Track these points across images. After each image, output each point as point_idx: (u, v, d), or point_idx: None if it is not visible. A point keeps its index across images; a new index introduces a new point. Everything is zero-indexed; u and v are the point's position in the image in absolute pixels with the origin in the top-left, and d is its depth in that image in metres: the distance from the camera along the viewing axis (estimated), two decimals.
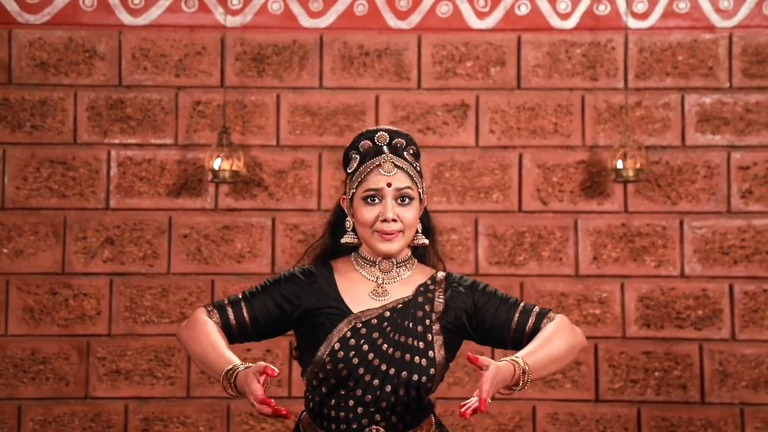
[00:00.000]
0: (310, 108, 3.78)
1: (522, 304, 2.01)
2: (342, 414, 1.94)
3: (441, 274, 2.03)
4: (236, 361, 1.86)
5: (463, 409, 1.70)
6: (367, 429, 1.93)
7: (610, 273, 3.71)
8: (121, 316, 3.73)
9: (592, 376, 3.69)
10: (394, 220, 1.95)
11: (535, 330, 1.95)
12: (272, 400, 1.72)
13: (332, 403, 1.94)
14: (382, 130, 2.01)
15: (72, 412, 3.70)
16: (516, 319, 1.99)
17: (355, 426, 1.93)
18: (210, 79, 3.78)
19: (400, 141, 2.01)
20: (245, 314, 1.98)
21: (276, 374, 1.75)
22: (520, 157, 3.76)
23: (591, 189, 3.75)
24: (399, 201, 1.96)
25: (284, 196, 3.77)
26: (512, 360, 1.81)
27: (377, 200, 1.96)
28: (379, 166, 1.96)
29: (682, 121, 3.74)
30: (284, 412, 1.72)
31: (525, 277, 3.70)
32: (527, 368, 1.83)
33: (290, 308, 1.98)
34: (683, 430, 3.64)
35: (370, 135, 2.01)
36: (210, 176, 3.63)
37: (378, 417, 1.93)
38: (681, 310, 3.70)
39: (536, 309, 2.01)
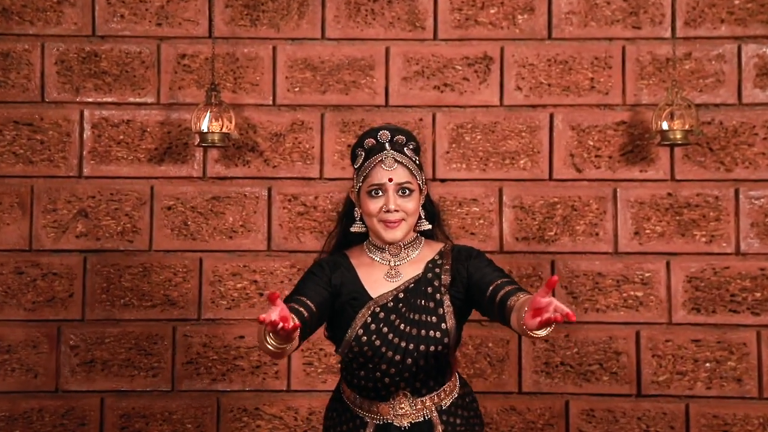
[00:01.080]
0: (311, 62, 3.77)
1: (508, 278, 2.39)
2: (371, 384, 2.43)
3: (447, 247, 2.49)
4: None
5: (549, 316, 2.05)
6: (393, 395, 2.42)
7: (654, 250, 3.70)
8: (96, 299, 3.73)
9: (633, 367, 3.68)
10: (396, 211, 2.40)
11: (508, 295, 2.28)
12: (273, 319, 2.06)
13: (362, 374, 2.43)
14: (384, 129, 2.45)
15: (41, 407, 3.70)
16: (498, 282, 2.35)
17: (384, 393, 2.43)
18: (197, 29, 3.77)
19: (400, 138, 2.45)
20: (309, 303, 2.36)
21: (275, 296, 2.05)
22: (551, 117, 3.75)
23: (632, 154, 3.73)
24: (400, 193, 2.42)
25: (282, 163, 3.76)
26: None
27: (380, 193, 2.42)
28: (381, 161, 2.41)
29: (738, 75, 3.72)
30: (286, 327, 2.08)
31: (556, 255, 3.70)
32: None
33: (329, 287, 2.43)
34: (738, 429, 3.64)
35: (373, 134, 2.45)
36: (197, 140, 3.63)
37: (403, 384, 2.42)
38: (736, 292, 3.68)
39: (514, 286, 2.34)
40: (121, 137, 3.76)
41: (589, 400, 3.68)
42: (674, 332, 3.68)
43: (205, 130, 3.58)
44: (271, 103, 3.76)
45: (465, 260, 2.45)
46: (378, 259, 2.48)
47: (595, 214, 3.72)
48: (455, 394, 2.49)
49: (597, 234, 3.72)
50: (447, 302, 2.42)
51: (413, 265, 2.47)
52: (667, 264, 3.70)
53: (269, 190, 3.75)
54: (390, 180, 2.41)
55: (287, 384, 3.71)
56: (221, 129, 3.58)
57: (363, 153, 2.46)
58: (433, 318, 2.41)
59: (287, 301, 2.38)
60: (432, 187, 3.68)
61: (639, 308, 3.69)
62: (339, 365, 2.55)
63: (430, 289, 2.44)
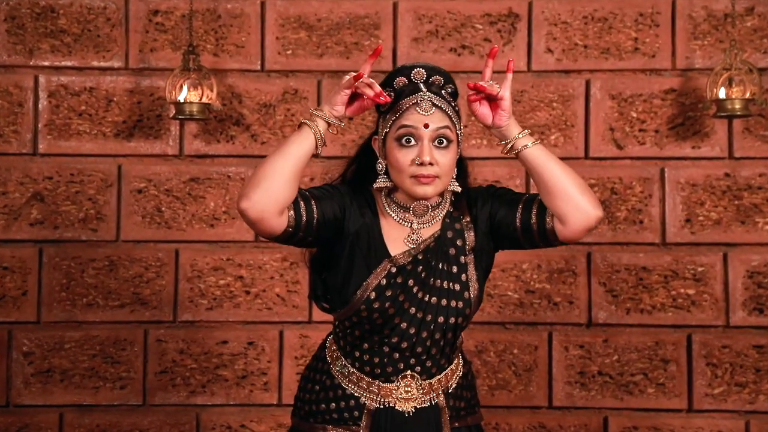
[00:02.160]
0: (307, 20, 3.77)
1: (525, 197, 2.39)
2: (376, 359, 2.37)
3: (459, 191, 2.39)
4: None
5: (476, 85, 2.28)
6: (401, 374, 2.37)
7: (708, 240, 3.70)
8: (54, 298, 3.72)
9: (683, 377, 3.68)
10: (431, 164, 2.29)
11: (542, 224, 2.34)
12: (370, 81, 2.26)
13: (365, 347, 2.37)
14: (419, 66, 2.35)
15: None
16: (520, 205, 2.37)
17: (390, 370, 2.37)
18: None
19: (438, 78, 2.35)
20: (315, 212, 2.32)
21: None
22: (588, 84, 3.75)
23: (683, 127, 3.73)
24: (436, 143, 2.31)
25: (271, 138, 3.75)
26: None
27: (413, 142, 2.31)
28: (416, 104, 2.31)
29: None
30: (384, 99, 2.28)
31: (593, 247, 3.71)
32: (533, 140, 2.35)
33: (341, 220, 2.37)
34: None
35: (405, 71, 2.34)
36: (172, 111, 3.64)
37: (413, 361, 2.37)
38: None
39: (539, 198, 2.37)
40: (83, 108, 3.75)
41: (631, 416, 3.68)
42: (732, 336, 3.67)
43: (182, 101, 3.58)
44: (259, 68, 3.76)
45: (483, 206, 2.41)
46: (398, 219, 2.39)
47: (639, 198, 3.71)
48: (460, 372, 2.47)
49: (641, 222, 3.70)
50: (471, 267, 2.39)
51: (435, 225, 2.41)
52: (724, 256, 3.69)
53: None
54: (426, 126, 2.30)
55: (278, 397, 3.71)
56: (201, 99, 3.59)
57: (393, 94, 2.35)
58: (456, 285, 2.37)
59: (309, 194, 2.36)
60: None
61: (691, 308, 3.69)
62: (334, 329, 2.50)
63: (453, 251, 2.38)
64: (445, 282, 2.36)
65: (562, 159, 3.55)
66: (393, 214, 2.39)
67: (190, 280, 3.70)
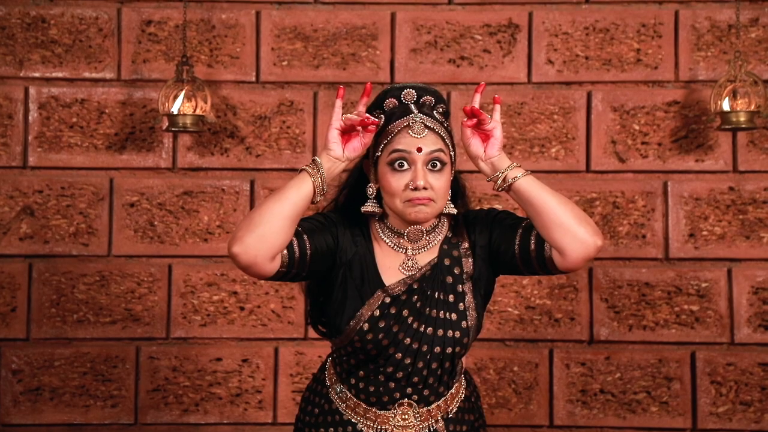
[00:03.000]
0: (303, 30, 3.77)
1: (524, 223, 2.36)
2: (372, 388, 2.37)
3: (451, 219, 2.39)
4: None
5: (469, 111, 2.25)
6: (398, 402, 2.37)
7: (712, 255, 3.70)
8: (44, 314, 3.71)
9: (688, 396, 3.67)
10: (425, 188, 2.27)
11: (540, 253, 2.31)
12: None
13: (361, 375, 2.37)
14: (409, 87, 2.33)
15: None
16: (518, 231, 2.35)
17: (386, 399, 2.36)
18: None
19: (429, 99, 2.33)
20: (307, 247, 2.30)
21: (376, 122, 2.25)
22: (589, 96, 3.74)
23: (687, 140, 3.72)
24: (429, 167, 2.29)
25: (267, 151, 3.75)
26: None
27: (406, 166, 2.29)
28: (408, 126, 2.29)
29: None
30: (373, 123, 2.26)
31: (594, 262, 3.69)
32: (525, 171, 2.31)
33: (334, 251, 2.35)
34: None
35: (395, 93, 2.33)
36: (166, 123, 3.63)
37: (410, 390, 2.36)
38: None
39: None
40: (75, 120, 3.74)
41: None
42: (737, 354, 3.67)
43: (176, 112, 3.58)
44: (254, 79, 3.76)
45: (481, 231, 2.38)
46: (392, 245, 2.37)
47: (642, 213, 3.70)
48: (462, 396, 2.46)
49: (644, 236, 3.70)
50: (469, 295, 2.37)
51: (431, 252, 2.38)
52: (729, 272, 3.69)
53: (252, 183, 3.74)
54: (419, 150, 2.28)
55: (273, 416, 3.70)
56: (194, 111, 3.58)
57: (383, 116, 2.33)
58: (453, 315, 2.35)
59: (300, 228, 2.33)
60: None
61: (695, 325, 3.68)
62: (331, 354, 2.52)
63: (450, 279, 2.36)
64: (442, 312, 2.33)
65: (563, 173, 3.68)
66: (387, 240, 2.37)
67: (183, 296, 3.68)
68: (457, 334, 2.34)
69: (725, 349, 3.65)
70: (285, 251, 2.25)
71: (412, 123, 2.29)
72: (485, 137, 2.31)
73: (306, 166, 2.25)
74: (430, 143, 2.28)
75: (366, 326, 2.31)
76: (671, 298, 3.66)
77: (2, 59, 3.73)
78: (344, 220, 2.37)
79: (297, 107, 3.72)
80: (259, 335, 3.65)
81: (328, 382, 2.44)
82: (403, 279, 2.33)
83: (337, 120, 2.24)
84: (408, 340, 2.32)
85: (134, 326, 3.67)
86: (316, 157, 2.26)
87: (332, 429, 2.39)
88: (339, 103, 2.24)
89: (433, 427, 2.38)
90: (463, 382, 2.47)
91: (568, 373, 3.65)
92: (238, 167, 3.71)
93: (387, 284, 2.33)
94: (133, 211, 3.70)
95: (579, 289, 3.65)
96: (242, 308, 3.68)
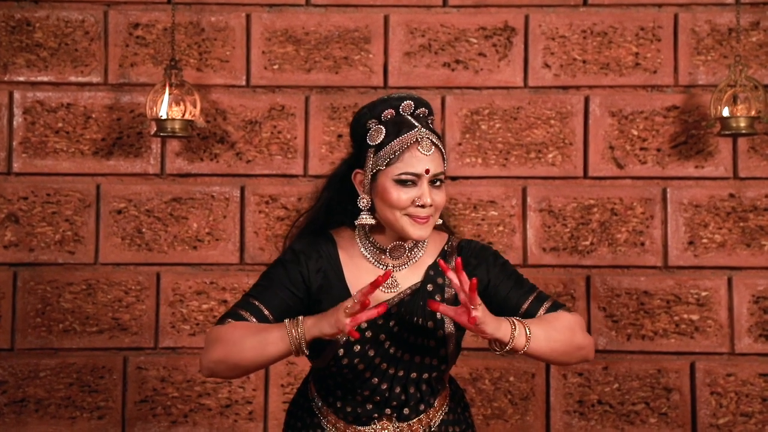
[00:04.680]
0: (294, 33, 3.78)
1: (536, 293, 2.40)
2: (349, 408, 2.39)
3: (452, 244, 2.42)
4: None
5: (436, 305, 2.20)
6: (377, 420, 2.39)
7: (712, 263, 3.72)
8: (29, 324, 3.72)
9: (687, 407, 3.68)
10: (429, 205, 2.32)
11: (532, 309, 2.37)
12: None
13: (339, 394, 2.39)
14: (407, 98, 2.34)
15: None
16: (526, 306, 2.37)
17: (364, 419, 2.39)
18: None
19: (423, 110, 2.35)
20: (265, 312, 2.33)
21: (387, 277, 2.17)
22: (587, 101, 3.75)
23: (686, 146, 3.73)
24: (431, 183, 2.33)
25: (257, 157, 3.76)
26: (508, 319, 2.25)
27: (412, 184, 2.31)
28: (417, 143, 2.30)
29: None
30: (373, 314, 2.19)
31: (592, 270, 3.72)
32: (528, 332, 2.25)
33: (303, 292, 2.36)
34: None
35: (393, 103, 2.34)
36: (154, 128, 3.64)
37: (388, 411, 2.38)
38: None
39: (549, 302, 2.39)
40: (60, 125, 3.76)
41: None
42: (738, 364, 3.68)
43: (164, 117, 3.59)
44: (244, 83, 3.78)
45: (477, 267, 2.38)
46: (373, 261, 2.38)
47: (640, 220, 3.71)
48: (446, 408, 2.46)
49: (642, 244, 3.70)
50: (450, 323, 2.36)
51: (413, 270, 2.39)
52: (729, 281, 3.70)
53: (242, 189, 3.75)
54: (427, 171, 2.30)
55: (264, 427, 3.70)
56: (183, 115, 3.59)
57: (382, 128, 2.32)
58: (431, 342, 2.36)
59: (240, 303, 2.36)
60: None
61: (694, 335, 3.69)
62: (311, 370, 2.55)
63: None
64: (420, 338, 2.33)
65: (560, 179, 3.69)
66: (369, 256, 2.37)
67: (171, 305, 3.68)
68: (435, 361, 2.35)
69: (725, 359, 3.66)
70: None
71: (421, 139, 2.29)
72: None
73: (293, 324, 2.23)
74: (436, 163, 2.31)
75: (341, 351, 2.31)
76: (670, 307, 3.67)
77: None
78: (304, 253, 2.37)
79: (288, 112, 3.72)
80: None
81: (310, 396, 2.45)
82: (381, 302, 2.30)
83: (356, 306, 2.17)
84: (384, 365, 2.33)
85: (122, 336, 3.67)
86: (300, 318, 2.23)
87: None
88: (371, 289, 2.16)
89: None
90: (449, 393, 2.47)
91: (565, 384, 3.65)
92: (228, 173, 3.72)
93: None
94: (121, 218, 3.71)
95: (576, 297, 3.65)
96: None
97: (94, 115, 3.73)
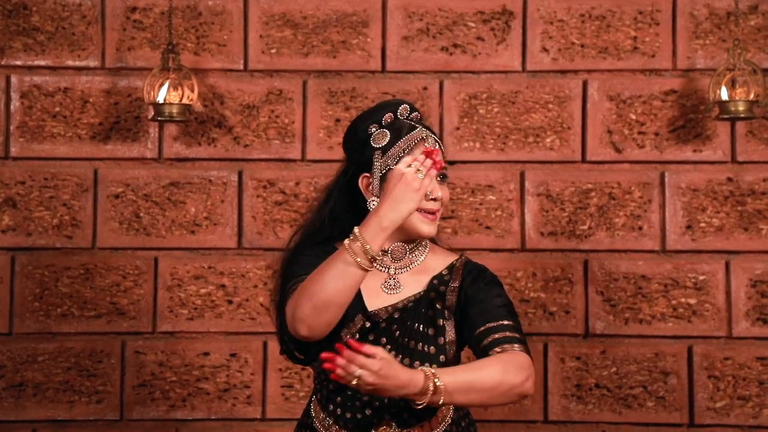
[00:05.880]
0: (292, 17, 3.79)
1: (502, 323, 2.33)
2: (348, 414, 2.39)
3: (460, 261, 2.44)
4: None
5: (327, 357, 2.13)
6: (377, 425, 2.37)
7: (710, 247, 3.71)
8: (27, 308, 3.73)
9: (684, 390, 3.69)
10: (440, 198, 2.40)
11: (485, 351, 2.31)
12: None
13: (338, 400, 2.39)
14: (402, 103, 2.43)
15: None
16: (482, 328, 2.32)
17: (364, 424, 2.38)
18: None
19: (416, 115, 2.44)
20: None
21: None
22: (585, 85, 3.76)
23: (684, 130, 3.74)
24: (438, 179, 2.39)
25: (255, 141, 3.76)
26: (423, 370, 2.19)
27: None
28: (422, 140, 2.38)
29: None
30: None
31: (590, 254, 3.72)
32: (439, 383, 2.17)
33: None
34: None
35: (391, 107, 2.41)
36: (151, 113, 3.65)
37: (387, 417, 2.37)
38: None
39: (508, 334, 2.31)
40: (58, 109, 3.76)
41: (630, 431, 3.69)
42: (735, 348, 3.68)
43: (161, 101, 3.59)
44: (241, 68, 3.78)
45: (473, 282, 2.40)
46: (375, 264, 2.39)
47: (638, 204, 3.72)
48: (449, 420, 2.45)
49: (640, 228, 3.71)
50: (450, 330, 2.39)
51: (416, 276, 2.43)
52: (727, 265, 3.70)
53: (240, 174, 3.76)
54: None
55: (262, 411, 3.71)
56: (181, 100, 3.59)
57: (387, 131, 2.39)
58: (431, 348, 2.38)
59: (292, 283, 2.34)
60: None
61: (692, 319, 3.69)
62: (313, 381, 2.57)
63: (431, 313, 2.39)
64: (420, 344, 2.36)
65: (558, 163, 3.70)
66: None
67: (169, 289, 3.69)
68: (434, 367, 2.31)
69: (723, 343, 3.66)
70: None
71: (426, 137, 2.37)
72: None
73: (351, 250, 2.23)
74: (442, 155, 2.39)
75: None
76: (668, 291, 3.67)
77: None
78: (316, 250, 2.39)
79: (286, 96, 3.73)
80: (247, 329, 3.66)
81: (313, 413, 2.48)
82: (385, 307, 2.37)
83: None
84: None
85: (120, 320, 3.68)
86: (355, 231, 2.23)
87: None
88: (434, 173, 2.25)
89: None
90: (452, 407, 2.46)
91: (563, 368, 3.66)
92: (226, 157, 3.72)
93: (369, 308, 2.37)
94: (118, 202, 3.71)
95: (574, 282, 3.66)
96: (230, 302, 3.68)
97: (91, 100, 3.73)
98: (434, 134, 2.43)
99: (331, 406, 2.42)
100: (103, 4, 3.73)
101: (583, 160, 3.72)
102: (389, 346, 2.35)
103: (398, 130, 2.38)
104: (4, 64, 3.73)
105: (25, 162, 3.72)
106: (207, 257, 3.69)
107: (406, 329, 2.37)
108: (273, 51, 3.74)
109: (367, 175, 2.38)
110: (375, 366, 2.09)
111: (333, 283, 2.22)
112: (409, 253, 2.41)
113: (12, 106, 3.72)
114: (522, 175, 3.72)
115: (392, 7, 3.74)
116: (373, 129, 2.39)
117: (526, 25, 3.74)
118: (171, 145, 3.72)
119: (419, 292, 2.40)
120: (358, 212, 2.37)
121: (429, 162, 2.23)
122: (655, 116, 3.71)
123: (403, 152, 2.35)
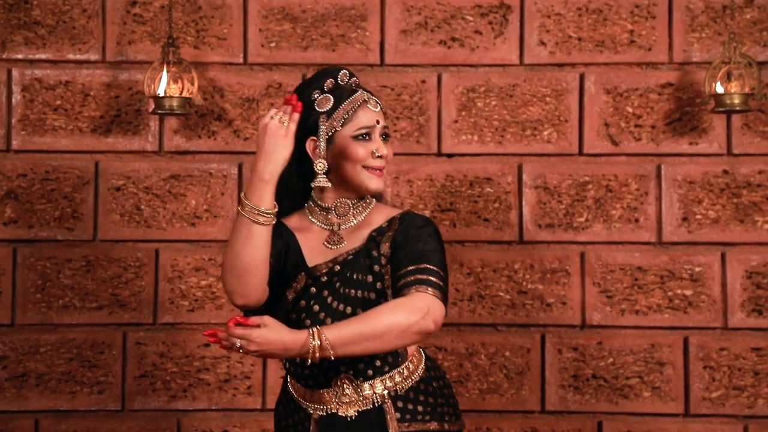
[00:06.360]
0: (291, 11, 3.79)
1: (419, 266, 2.40)
2: (307, 371, 2.47)
3: (400, 214, 2.54)
4: None
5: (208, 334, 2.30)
6: (336, 379, 2.46)
7: (706, 239, 3.71)
8: (29, 300, 3.72)
9: (680, 381, 3.68)
10: (385, 156, 2.52)
11: (399, 294, 2.40)
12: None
13: (298, 361, 2.47)
14: (341, 69, 2.54)
15: None
16: (401, 271, 2.41)
17: (323, 379, 2.47)
18: None
19: (355, 80, 2.55)
20: (272, 264, 2.45)
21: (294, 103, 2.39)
22: (582, 78, 3.75)
23: (680, 123, 3.73)
24: (382, 138, 2.53)
25: (255, 134, 3.75)
26: (309, 330, 2.31)
27: (368, 138, 2.50)
28: (366, 102, 2.50)
29: None
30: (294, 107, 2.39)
31: (587, 246, 3.72)
32: (325, 343, 2.29)
33: (278, 249, 2.49)
34: None
35: (332, 74, 2.53)
36: (152, 106, 3.65)
37: (344, 368, 2.46)
38: None
39: (420, 276, 2.39)
40: (59, 102, 3.75)
41: (626, 421, 3.68)
42: (730, 339, 3.67)
43: (162, 95, 3.58)
44: (241, 61, 3.77)
45: (404, 230, 2.49)
46: (319, 224, 2.53)
47: (635, 196, 3.71)
48: (416, 377, 2.53)
49: (637, 220, 3.71)
50: (387, 276, 2.46)
51: (358, 231, 2.52)
52: (723, 256, 3.69)
53: (240, 167, 3.75)
54: (378, 122, 2.51)
55: (262, 402, 3.71)
56: (181, 93, 3.59)
57: (330, 95, 2.50)
58: (371, 294, 2.46)
59: None
60: (437, 163, 3.73)
61: (687, 310, 3.69)
62: None
63: (368, 261, 2.48)
64: (360, 291, 2.45)
65: (556, 156, 3.70)
66: (314, 220, 2.52)
67: (170, 281, 3.69)
68: None
69: (718, 333, 3.65)
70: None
71: (369, 99, 2.50)
72: None
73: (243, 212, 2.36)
74: (383, 118, 2.52)
75: (290, 307, 2.46)
76: (664, 282, 3.67)
77: None
78: (276, 223, 2.48)
79: (285, 89, 3.71)
80: None
81: (288, 385, 2.57)
82: (326, 262, 2.46)
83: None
84: (329, 320, 2.43)
85: (121, 312, 3.68)
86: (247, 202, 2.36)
87: (291, 419, 2.53)
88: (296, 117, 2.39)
89: (377, 402, 2.45)
90: (422, 367, 2.54)
91: (560, 358, 3.66)
92: (226, 150, 3.72)
93: (310, 265, 2.46)
94: (119, 195, 3.71)
95: (571, 273, 3.66)
96: None
97: (92, 93, 3.72)
98: (374, 96, 2.52)
99: (292, 367, 2.51)
100: None
101: (580, 153, 3.71)
102: (331, 297, 2.44)
103: (340, 94, 2.48)
104: (5, 57, 3.72)
105: (27, 155, 3.71)
106: (207, 249, 3.69)
107: (346, 280, 2.45)
108: (272, 44, 3.74)
109: (314, 138, 2.47)
110: (253, 335, 2.24)
111: (244, 248, 2.35)
112: (353, 209, 2.51)
113: (13, 100, 3.71)
114: (520, 167, 3.72)
115: (390, 1, 3.73)
116: (317, 95, 2.49)
117: (524, 19, 3.73)
118: (171, 138, 3.71)
119: (359, 246, 2.48)
120: (308, 178, 2.47)
121: (289, 108, 2.36)
122: (651, 109, 3.71)
123: (348, 114, 2.47)
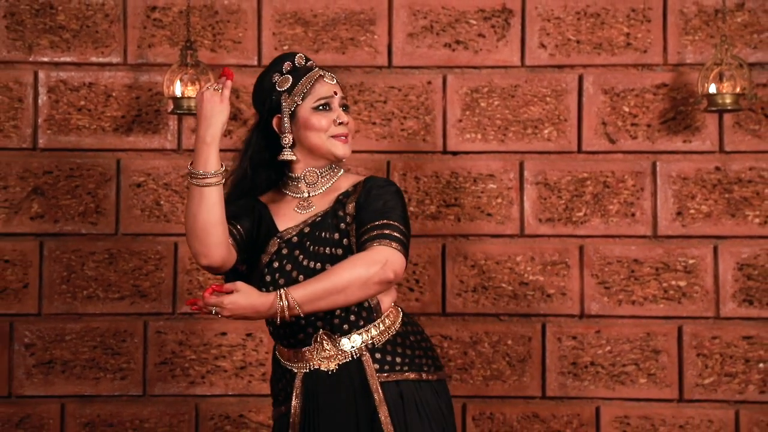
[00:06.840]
0: (303, 15, 3.79)
1: (380, 222, 2.48)
2: (287, 330, 2.53)
3: (362, 178, 2.61)
4: None
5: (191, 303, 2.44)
6: (314, 335, 2.51)
7: (699, 233, 3.72)
8: (55, 291, 3.73)
9: (674, 368, 3.69)
10: (347, 123, 2.60)
11: (360, 249, 2.48)
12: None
13: (278, 323, 2.49)
14: (297, 53, 2.63)
15: None
16: (363, 228, 2.49)
17: (301, 336, 2.53)
18: None
19: (311, 62, 2.64)
20: (239, 228, 2.55)
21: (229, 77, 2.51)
22: (580, 79, 3.77)
23: (674, 121, 3.74)
24: (342, 108, 2.61)
25: None
26: (278, 291, 2.40)
27: (328, 108, 2.59)
28: (321, 76, 2.60)
29: None
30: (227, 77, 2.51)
31: (586, 239, 3.73)
32: (292, 302, 2.39)
33: (252, 220, 2.58)
34: None
35: (287, 58, 2.62)
36: (171, 106, 3.64)
37: (320, 323, 2.51)
38: None
39: (377, 231, 2.46)
40: (83, 103, 3.76)
41: (623, 406, 3.69)
42: (722, 328, 3.69)
43: (180, 95, 3.58)
44: (255, 63, 3.76)
45: (368, 191, 2.55)
46: (291, 194, 2.62)
47: (631, 192, 3.73)
48: (392, 332, 2.57)
49: (633, 215, 3.73)
50: (353, 234, 2.52)
51: (326, 197, 2.59)
52: (715, 249, 3.71)
53: None
54: (335, 93, 2.60)
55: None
56: None
57: (289, 76, 2.59)
58: (339, 250, 2.52)
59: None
60: (442, 160, 3.72)
61: (681, 300, 3.70)
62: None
63: (335, 221, 2.55)
64: (328, 248, 2.52)
65: (556, 153, 3.71)
66: (287, 192, 2.61)
67: (188, 273, 3.71)
68: None
69: (711, 323, 3.66)
70: (231, 241, 2.50)
71: (324, 73, 2.60)
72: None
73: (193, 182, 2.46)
74: (340, 89, 2.62)
75: (265, 270, 2.53)
76: (659, 274, 3.68)
77: (12, 45, 3.72)
78: (241, 202, 2.59)
79: None
80: None
81: (276, 351, 2.65)
82: (296, 224, 2.54)
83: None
84: (301, 277, 2.49)
85: (142, 302, 3.69)
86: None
87: (280, 384, 2.60)
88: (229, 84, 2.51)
89: (356, 355, 2.51)
90: (399, 322, 2.57)
91: (560, 347, 3.68)
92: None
93: (280, 229, 2.54)
94: (140, 191, 3.73)
95: (570, 265, 3.67)
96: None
97: (114, 94, 3.73)
98: (329, 72, 2.62)
99: (273, 329, 2.59)
100: (125, 4, 3.73)
101: (579, 151, 3.72)
102: (302, 256, 2.51)
103: (297, 74, 2.58)
104: (32, 60, 3.72)
105: (53, 153, 3.72)
106: None
107: (315, 239, 2.52)
108: (285, 47, 3.73)
109: (279, 115, 2.59)
110: (225, 302, 2.37)
111: (198, 209, 2.43)
112: (321, 177, 2.59)
113: (40, 101, 3.71)
114: (521, 164, 3.73)
115: (398, 6, 3.74)
116: (276, 77, 2.60)
117: (525, 23, 3.73)
118: (189, 136, 3.70)
119: (327, 208, 2.56)
120: (276, 153, 2.58)
121: (223, 78, 2.48)
122: (647, 109, 3.71)
123: (306, 88, 2.57)
